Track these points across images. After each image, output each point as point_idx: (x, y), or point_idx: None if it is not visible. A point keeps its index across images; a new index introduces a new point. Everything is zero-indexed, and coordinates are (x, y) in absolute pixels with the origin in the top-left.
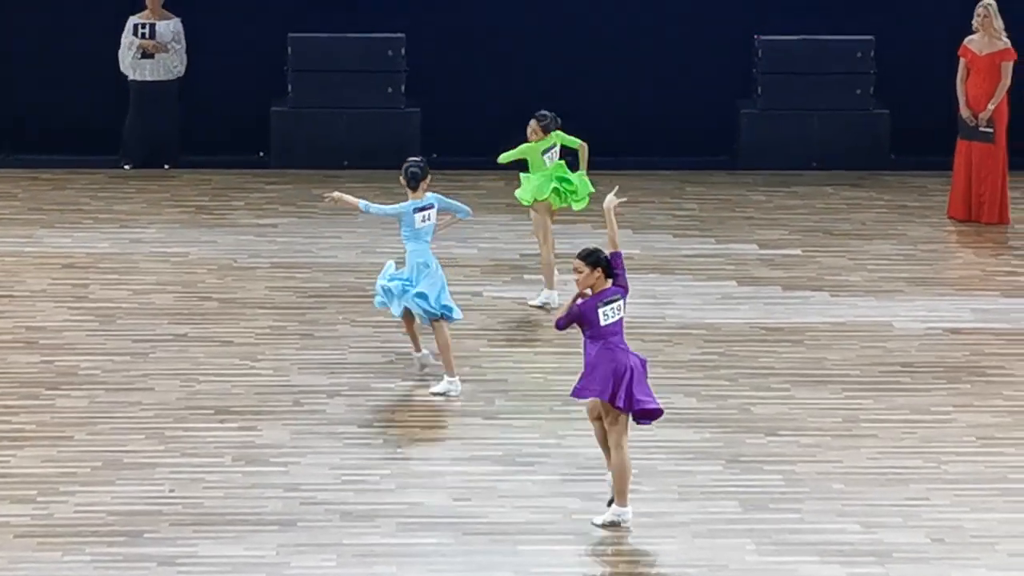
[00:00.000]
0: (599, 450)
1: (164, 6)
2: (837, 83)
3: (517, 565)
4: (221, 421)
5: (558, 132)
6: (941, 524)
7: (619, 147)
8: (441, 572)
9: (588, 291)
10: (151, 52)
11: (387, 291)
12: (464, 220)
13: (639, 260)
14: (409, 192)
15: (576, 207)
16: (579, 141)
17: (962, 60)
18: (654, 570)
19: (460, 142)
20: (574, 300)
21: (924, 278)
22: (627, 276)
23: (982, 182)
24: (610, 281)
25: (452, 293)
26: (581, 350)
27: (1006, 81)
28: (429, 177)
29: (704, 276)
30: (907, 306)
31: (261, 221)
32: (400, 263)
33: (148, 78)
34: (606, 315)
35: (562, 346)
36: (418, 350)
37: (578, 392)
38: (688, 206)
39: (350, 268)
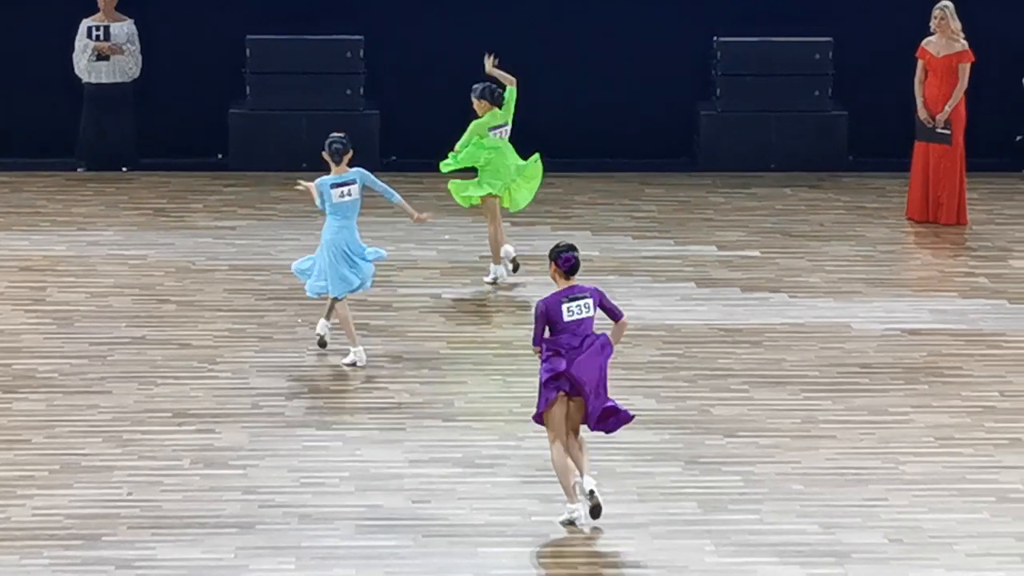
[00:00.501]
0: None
1: (117, 8)
2: (795, 85)
3: (476, 567)
4: (179, 424)
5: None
6: (899, 524)
7: (578, 149)
8: (400, 574)
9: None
10: (106, 54)
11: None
12: (397, 205)
13: (598, 262)
14: (333, 167)
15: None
16: (510, 77)
17: (920, 62)
18: (613, 571)
19: (419, 144)
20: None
21: (882, 279)
22: (615, 303)
23: (940, 183)
24: (575, 279)
25: (411, 295)
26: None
27: (963, 83)
28: (352, 153)
29: (663, 277)
30: (865, 307)
31: (219, 223)
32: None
33: (104, 81)
34: (570, 311)
35: (521, 349)
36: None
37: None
38: (647, 208)
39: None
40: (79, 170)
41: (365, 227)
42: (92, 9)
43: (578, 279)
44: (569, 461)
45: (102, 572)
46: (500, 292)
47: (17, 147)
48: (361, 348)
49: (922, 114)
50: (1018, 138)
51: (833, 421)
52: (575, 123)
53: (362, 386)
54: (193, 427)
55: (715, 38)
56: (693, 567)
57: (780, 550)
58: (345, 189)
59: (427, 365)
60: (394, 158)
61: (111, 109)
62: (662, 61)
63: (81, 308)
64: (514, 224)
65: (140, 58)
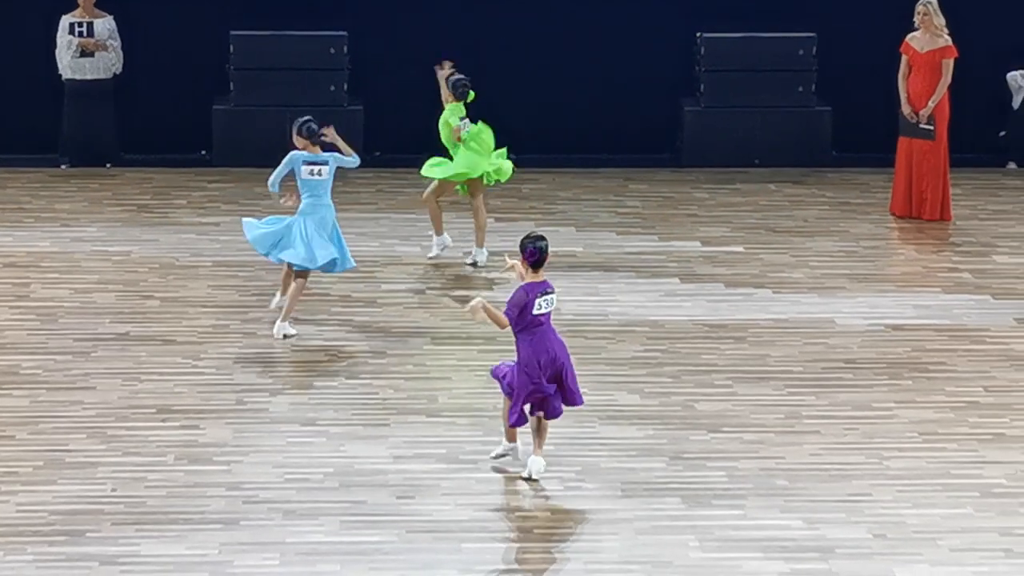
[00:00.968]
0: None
1: (96, 4)
2: (779, 81)
3: (461, 563)
4: (163, 420)
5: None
6: (883, 520)
7: (563, 145)
8: (384, 570)
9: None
10: (91, 51)
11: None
12: (353, 169)
13: (582, 257)
14: (308, 146)
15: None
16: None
17: (904, 57)
18: (598, 567)
19: (403, 139)
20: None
21: (866, 275)
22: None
23: (923, 179)
24: (543, 274)
25: (394, 291)
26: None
27: (947, 78)
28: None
29: (647, 273)
30: (849, 303)
31: (203, 220)
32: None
33: (88, 77)
34: (540, 306)
35: (505, 344)
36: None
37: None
38: (631, 203)
39: None
40: (62, 166)
41: (350, 223)
42: (71, 5)
43: (565, 274)
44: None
45: (86, 568)
46: (484, 291)
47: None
48: (288, 324)
49: (906, 110)
50: (1002, 133)
51: (817, 416)
52: (559, 119)
53: (346, 382)
54: (177, 423)
55: (698, 34)
56: (677, 563)
57: (764, 545)
58: (315, 168)
59: (411, 361)
60: (378, 153)
61: (93, 105)
62: (646, 57)
63: (65, 304)
64: (499, 220)
65: (122, 54)
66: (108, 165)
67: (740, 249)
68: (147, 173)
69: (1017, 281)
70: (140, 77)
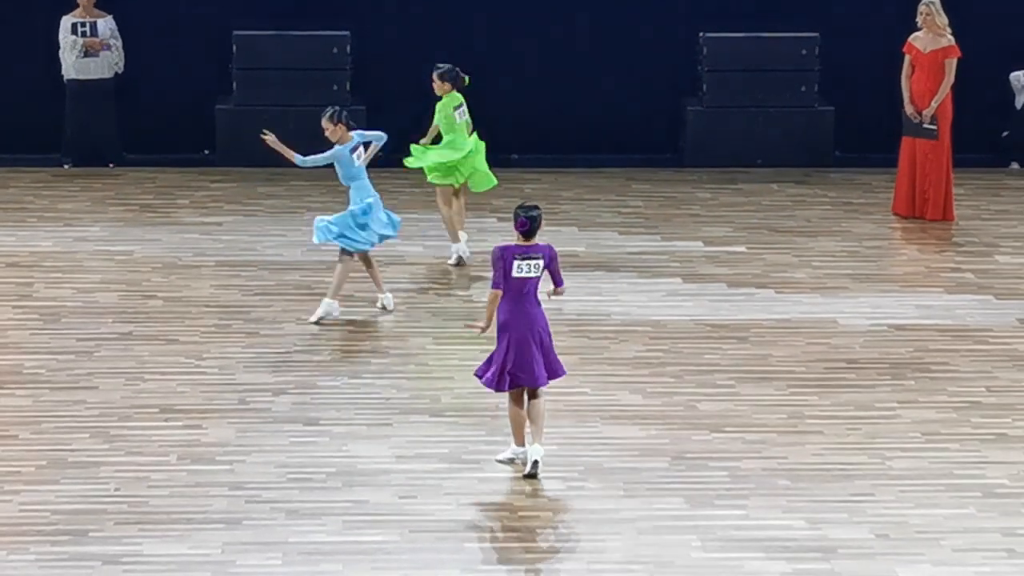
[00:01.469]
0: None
1: (96, 4)
2: (782, 80)
3: (463, 563)
4: (166, 420)
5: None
6: (886, 520)
7: (565, 144)
8: (387, 570)
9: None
10: (96, 50)
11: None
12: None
13: (584, 257)
14: (344, 134)
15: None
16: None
17: (907, 57)
18: (600, 567)
19: (405, 139)
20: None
21: (869, 275)
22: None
23: (926, 179)
24: (536, 241)
25: (397, 291)
26: None
27: (950, 78)
28: None
29: (649, 273)
30: (852, 303)
31: (206, 219)
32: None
33: (92, 76)
34: (520, 268)
35: None
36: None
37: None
38: (634, 203)
39: (295, 266)
40: (65, 166)
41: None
42: (71, 6)
43: (567, 273)
44: (523, 412)
45: (89, 568)
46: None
47: (2, 143)
48: (335, 301)
49: (909, 109)
50: (1005, 134)
51: (819, 416)
52: (561, 119)
53: (349, 382)
54: (180, 423)
55: (701, 34)
56: (679, 563)
57: (766, 545)
58: (359, 152)
59: (414, 361)
60: (381, 154)
61: (95, 105)
62: (648, 57)
63: (68, 304)
64: (500, 220)
65: (123, 52)
66: (111, 165)
67: (742, 249)
68: (150, 173)
69: (1020, 281)
70: (143, 77)
